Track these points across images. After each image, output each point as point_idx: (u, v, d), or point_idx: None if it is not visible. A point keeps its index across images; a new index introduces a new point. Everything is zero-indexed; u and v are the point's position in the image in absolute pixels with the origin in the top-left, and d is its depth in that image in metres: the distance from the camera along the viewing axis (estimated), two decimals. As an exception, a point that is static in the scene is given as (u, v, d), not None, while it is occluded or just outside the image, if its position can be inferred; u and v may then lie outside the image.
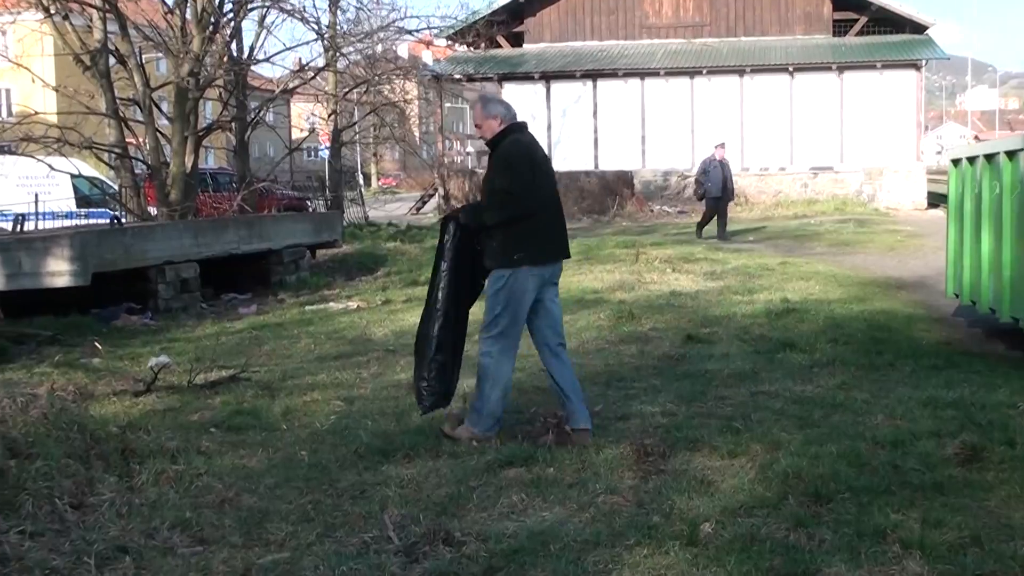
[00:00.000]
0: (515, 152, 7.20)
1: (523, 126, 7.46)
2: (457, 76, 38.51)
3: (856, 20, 38.11)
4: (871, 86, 35.49)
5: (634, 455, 6.47)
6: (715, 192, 23.96)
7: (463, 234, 7.20)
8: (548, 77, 37.03)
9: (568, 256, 7.46)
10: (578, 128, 36.93)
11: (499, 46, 39.13)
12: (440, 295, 7.18)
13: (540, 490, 5.97)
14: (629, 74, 36.45)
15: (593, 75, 36.74)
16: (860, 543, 5.02)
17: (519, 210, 7.05)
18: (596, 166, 36.64)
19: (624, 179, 35.91)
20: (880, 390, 8.38)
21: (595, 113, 36.91)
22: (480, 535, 5.26)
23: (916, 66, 35.61)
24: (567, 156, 36.58)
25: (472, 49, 38.93)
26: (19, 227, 18.58)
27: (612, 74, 36.49)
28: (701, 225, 24.55)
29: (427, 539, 5.19)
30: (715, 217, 24.27)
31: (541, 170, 7.26)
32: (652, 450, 6.52)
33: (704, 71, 35.99)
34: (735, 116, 35.87)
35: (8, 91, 49.69)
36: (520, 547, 5.07)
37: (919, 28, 38.11)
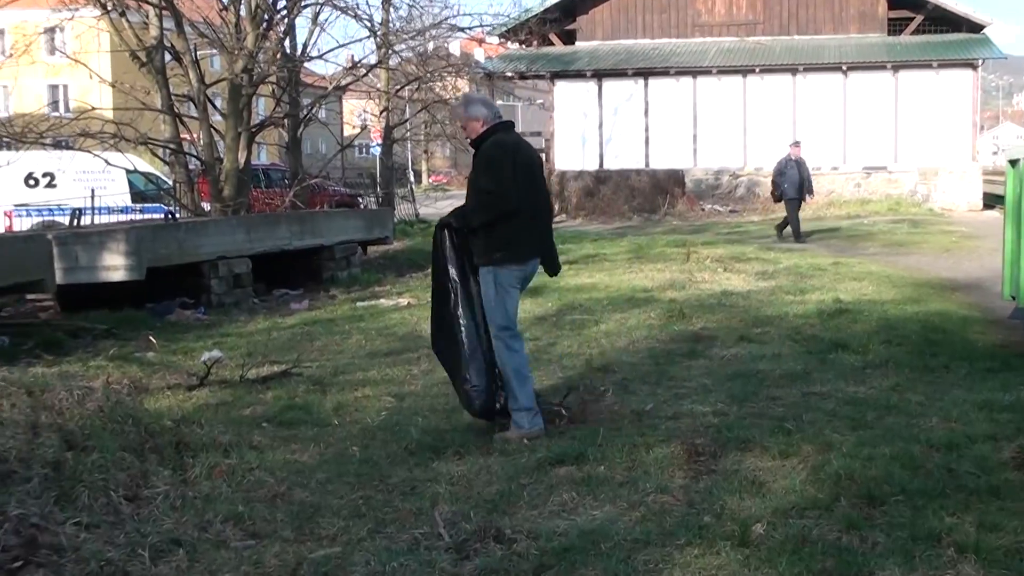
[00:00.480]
0: (496, 153, 7.28)
1: (508, 125, 7.52)
2: (509, 74, 38.50)
3: (911, 19, 37.65)
4: (926, 85, 35.08)
5: (685, 454, 6.44)
6: (792, 193, 23.25)
7: (459, 238, 7.34)
8: (600, 75, 36.91)
9: (550, 254, 7.65)
10: (629, 126, 36.77)
11: (551, 44, 39.04)
12: (454, 300, 7.29)
13: (591, 488, 5.96)
14: (681, 72, 36.26)
15: (645, 73, 36.58)
16: (914, 546, 4.97)
17: (501, 209, 7.17)
18: (647, 164, 36.48)
19: (675, 178, 35.80)
20: (935, 392, 8.29)
21: (647, 111, 36.75)
22: (531, 533, 5.26)
23: (972, 65, 35.16)
24: (618, 154, 36.51)
25: (524, 47, 38.87)
26: (76, 221, 18.78)
27: (664, 72, 36.31)
28: (795, 230, 23.53)
29: (477, 536, 5.21)
30: (796, 214, 23.62)
31: (524, 168, 7.34)
32: (703, 450, 6.50)
33: (757, 70, 35.71)
34: (788, 115, 35.57)
35: (66, 87, 50.24)
36: (570, 545, 5.06)
37: (976, 27, 37.59)
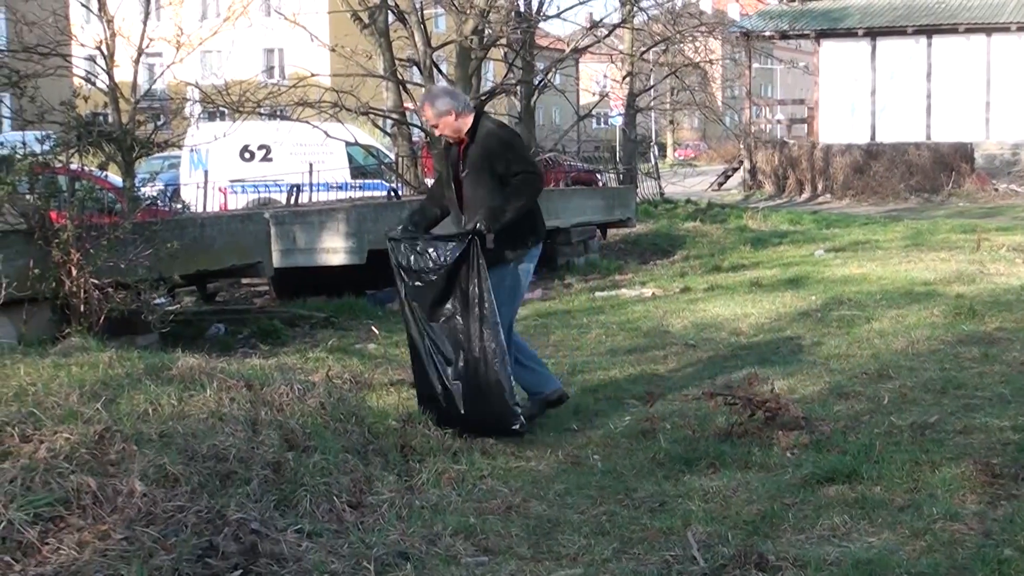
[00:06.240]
0: (507, 133, 7.61)
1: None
2: (768, 33, 38.09)
3: None
4: None
5: (979, 476, 6.23)
6: None
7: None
8: (874, 34, 36.08)
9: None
10: (907, 93, 35.81)
11: (818, -2, 38.49)
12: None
13: (866, 512, 5.85)
14: (972, 29, 35.06)
15: (928, 31, 35.55)
16: None
17: (539, 188, 7.47)
18: (928, 136, 35.52)
19: (962, 152, 34.77)
20: None
21: (929, 75, 35.72)
22: (797, 560, 5.18)
23: None
24: (894, 125, 35.65)
25: (786, 2, 38.34)
26: (294, 199, 19.40)
27: (952, 29, 35.19)
28: None
29: (737, 561, 5.15)
30: None
31: None
32: (1001, 471, 6.27)
33: (1066, 25, 34.33)
34: (1101, 77, 34.08)
35: (281, 51, 51.35)
36: (844, 576, 4.98)
37: None
